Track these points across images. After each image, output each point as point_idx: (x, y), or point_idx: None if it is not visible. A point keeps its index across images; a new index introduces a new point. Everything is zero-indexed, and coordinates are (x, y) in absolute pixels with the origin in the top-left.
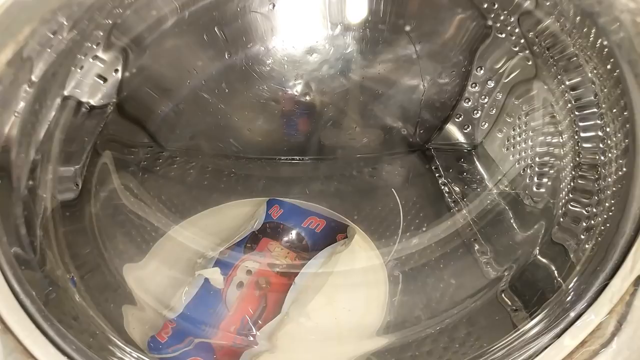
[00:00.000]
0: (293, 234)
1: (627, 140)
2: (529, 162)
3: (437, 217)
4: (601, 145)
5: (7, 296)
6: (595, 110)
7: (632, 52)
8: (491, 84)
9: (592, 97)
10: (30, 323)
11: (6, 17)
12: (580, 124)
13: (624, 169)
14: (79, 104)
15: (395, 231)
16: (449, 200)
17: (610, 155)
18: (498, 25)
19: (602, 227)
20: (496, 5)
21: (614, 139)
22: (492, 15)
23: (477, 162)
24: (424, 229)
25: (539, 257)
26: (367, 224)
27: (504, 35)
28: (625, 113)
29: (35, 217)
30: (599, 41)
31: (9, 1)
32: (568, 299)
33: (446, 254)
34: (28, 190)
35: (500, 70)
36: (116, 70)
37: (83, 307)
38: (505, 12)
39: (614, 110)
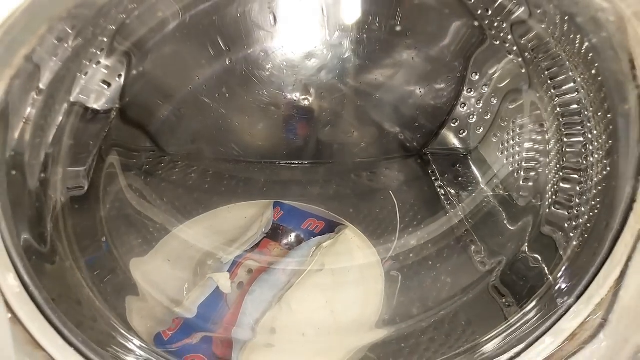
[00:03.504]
0: (292, 236)
1: (610, 142)
2: (522, 164)
3: (433, 219)
4: (589, 147)
5: (18, 288)
6: (583, 115)
7: (610, 50)
8: (486, 89)
9: (580, 103)
10: (39, 314)
11: (13, 28)
12: (567, 128)
13: (608, 169)
14: (85, 109)
15: (393, 232)
16: (445, 202)
17: (596, 156)
18: (493, 32)
19: (589, 224)
20: (490, 12)
21: (600, 141)
22: (487, 22)
23: (472, 166)
24: (420, 230)
25: (528, 252)
26: (365, 225)
27: (498, 42)
28: (608, 115)
29: (47, 212)
30: (584, 46)
31: (17, 10)
32: (557, 291)
33: (441, 253)
34: (39, 184)
35: (495, 76)
36: (119, 76)
37: (90, 298)
38: (499, 19)
39: (599, 114)
